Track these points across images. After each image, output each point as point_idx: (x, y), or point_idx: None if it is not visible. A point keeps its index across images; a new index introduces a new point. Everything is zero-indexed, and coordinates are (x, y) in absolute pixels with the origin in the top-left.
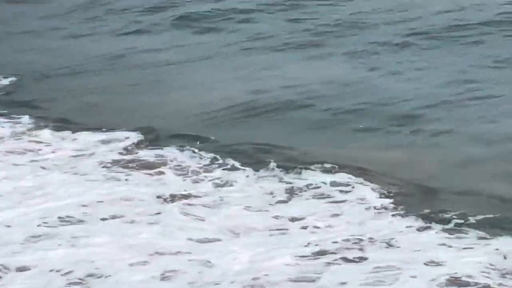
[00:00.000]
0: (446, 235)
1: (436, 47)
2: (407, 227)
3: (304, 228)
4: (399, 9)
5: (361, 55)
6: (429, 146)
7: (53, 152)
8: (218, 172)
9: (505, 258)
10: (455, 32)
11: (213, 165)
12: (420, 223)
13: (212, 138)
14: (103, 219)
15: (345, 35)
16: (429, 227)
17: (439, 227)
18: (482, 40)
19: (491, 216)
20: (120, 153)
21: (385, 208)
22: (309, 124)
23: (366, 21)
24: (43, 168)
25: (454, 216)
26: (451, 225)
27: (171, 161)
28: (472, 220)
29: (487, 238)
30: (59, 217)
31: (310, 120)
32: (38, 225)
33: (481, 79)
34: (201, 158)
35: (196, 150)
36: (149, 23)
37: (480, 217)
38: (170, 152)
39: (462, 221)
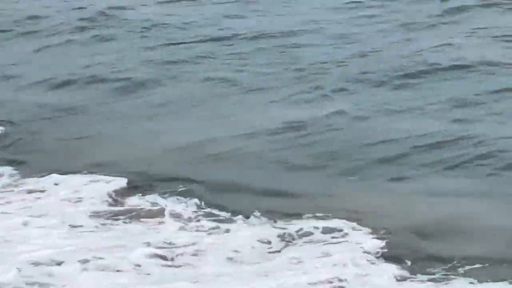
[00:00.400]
0: (435, 283)
1: (410, 88)
2: (394, 273)
3: (291, 270)
4: (369, 52)
5: (336, 97)
6: (419, 191)
7: (39, 200)
8: (206, 219)
9: None
10: (426, 74)
11: (201, 212)
12: (407, 269)
13: (197, 184)
14: (85, 268)
15: (316, 79)
16: (417, 274)
17: (427, 274)
18: (456, 81)
19: (481, 265)
20: (106, 201)
21: (374, 254)
22: (295, 168)
23: (335, 64)
24: (30, 216)
25: (444, 264)
26: (439, 274)
27: (158, 208)
28: (461, 269)
29: (476, 285)
30: (39, 266)
31: (295, 165)
32: (16, 276)
33: (464, 120)
34: (187, 205)
35: (182, 196)
36: (119, 70)
37: (469, 267)
38: (156, 199)
39: (451, 269)
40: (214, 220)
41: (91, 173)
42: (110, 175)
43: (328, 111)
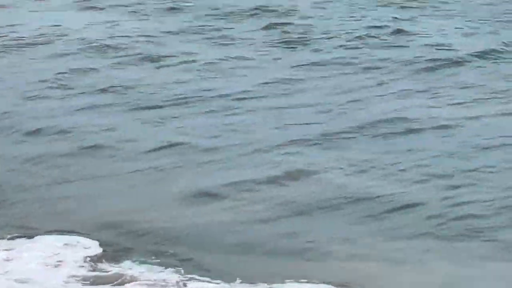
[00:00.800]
0: None
1: (383, 146)
2: None
3: None
4: (337, 109)
5: (301, 157)
6: (404, 255)
7: (18, 264)
8: (188, 285)
9: None
10: (400, 132)
11: (182, 278)
12: None
13: (175, 248)
14: None
15: (283, 137)
16: None
17: None
18: (428, 140)
19: None
20: (84, 266)
21: None
22: (273, 231)
23: (303, 123)
24: (8, 280)
25: None
26: None
27: (137, 274)
28: None
29: None
30: None
31: (273, 227)
32: None
33: (437, 180)
34: (166, 272)
35: (161, 262)
36: (85, 131)
37: None
38: (135, 264)
39: None
40: (197, 286)
41: (67, 234)
42: (86, 237)
43: (297, 171)
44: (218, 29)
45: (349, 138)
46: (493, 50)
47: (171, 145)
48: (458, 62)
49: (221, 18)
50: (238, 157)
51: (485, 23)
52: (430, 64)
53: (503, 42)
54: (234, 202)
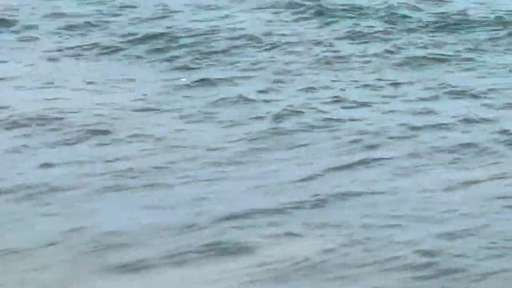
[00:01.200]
0: None
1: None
2: None
3: None
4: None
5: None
6: None
7: None
8: None
9: None
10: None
11: None
12: None
13: None
14: None
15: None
16: None
17: None
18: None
19: None
20: None
21: None
22: None
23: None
24: None
25: None
26: None
27: None
28: None
29: None
30: None
31: None
32: None
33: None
34: None
35: None
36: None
37: None
38: None
39: None
40: None
41: None
42: None
43: (249, 246)
44: (175, 102)
45: (299, 211)
46: (444, 123)
47: (127, 218)
48: (406, 136)
49: (179, 90)
50: (186, 230)
51: (433, 89)
52: (379, 136)
53: (474, 113)
54: (186, 272)
